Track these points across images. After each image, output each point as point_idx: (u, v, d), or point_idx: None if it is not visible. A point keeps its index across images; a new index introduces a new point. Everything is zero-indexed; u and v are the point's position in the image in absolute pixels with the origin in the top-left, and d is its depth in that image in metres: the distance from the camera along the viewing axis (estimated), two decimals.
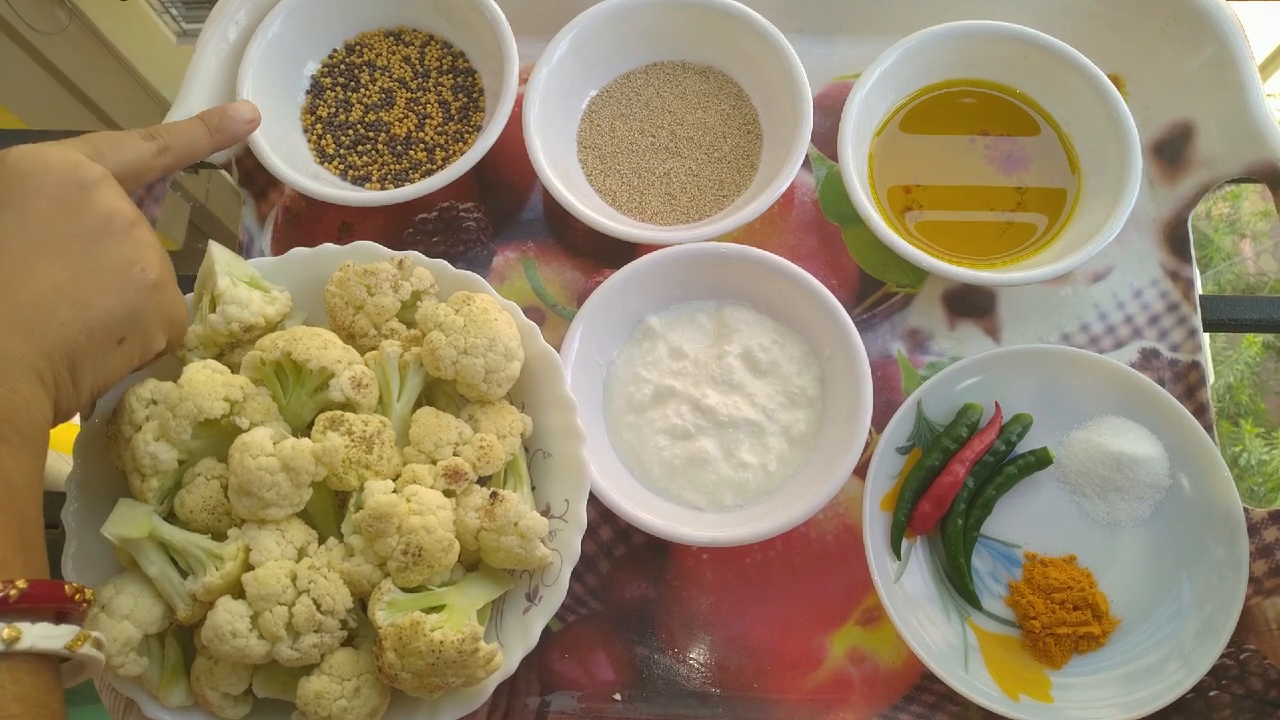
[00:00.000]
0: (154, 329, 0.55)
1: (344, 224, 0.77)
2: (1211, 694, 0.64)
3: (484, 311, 0.61)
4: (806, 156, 0.71)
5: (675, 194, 0.75)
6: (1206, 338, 0.74)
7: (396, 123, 0.78)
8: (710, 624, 0.68)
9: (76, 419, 0.63)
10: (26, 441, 0.48)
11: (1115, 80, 0.75)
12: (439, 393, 0.64)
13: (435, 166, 0.76)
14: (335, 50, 0.80)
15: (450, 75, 0.79)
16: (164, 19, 2.29)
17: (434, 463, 0.59)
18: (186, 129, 0.65)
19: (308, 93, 0.79)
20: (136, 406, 0.57)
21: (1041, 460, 0.68)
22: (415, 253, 0.65)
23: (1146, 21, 0.77)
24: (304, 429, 0.60)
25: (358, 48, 0.80)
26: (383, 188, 0.75)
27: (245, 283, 0.63)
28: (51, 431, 0.52)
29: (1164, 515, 0.67)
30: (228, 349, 0.63)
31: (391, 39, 0.80)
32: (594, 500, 0.63)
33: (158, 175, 0.62)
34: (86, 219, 0.52)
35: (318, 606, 0.55)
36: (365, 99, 0.78)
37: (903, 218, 0.74)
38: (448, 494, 0.58)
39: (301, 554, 0.57)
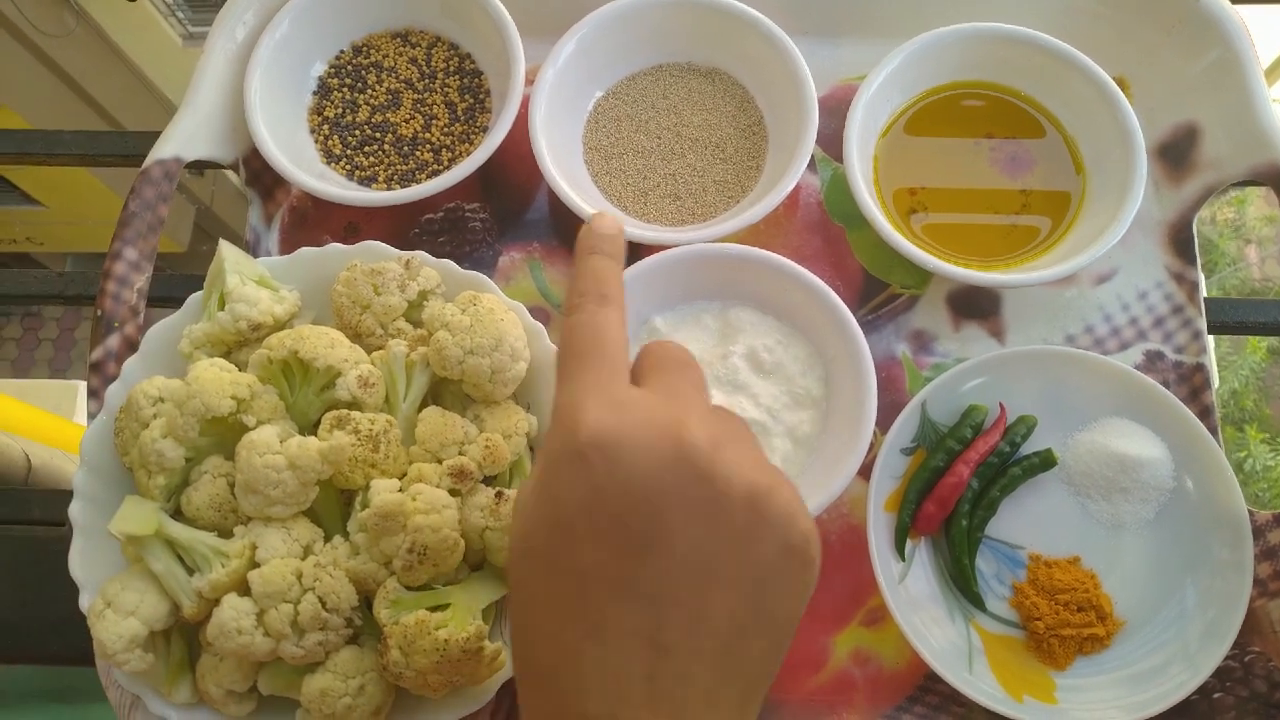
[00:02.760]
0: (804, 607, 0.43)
1: (350, 224, 0.77)
2: (1215, 696, 0.64)
3: (490, 312, 0.61)
4: (811, 158, 0.71)
5: (680, 195, 0.75)
6: (1211, 341, 0.74)
7: (403, 123, 0.78)
8: None
9: (83, 419, 0.63)
10: None
11: (1120, 83, 0.75)
12: (445, 392, 0.64)
13: (441, 167, 0.76)
14: (342, 51, 0.80)
15: (457, 76, 0.79)
16: (170, 21, 2.30)
17: (440, 462, 0.59)
18: (614, 271, 0.48)
19: (315, 93, 0.79)
20: (144, 403, 0.58)
21: (1046, 462, 0.68)
22: (422, 253, 0.65)
23: (1151, 24, 0.77)
24: (310, 428, 0.60)
25: (365, 49, 0.80)
26: (389, 188, 0.76)
27: (254, 281, 0.63)
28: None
29: (1168, 517, 0.67)
30: (235, 347, 0.63)
31: (399, 40, 0.80)
32: None
33: None
34: (729, 520, 0.38)
35: (323, 604, 0.55)
36: (372, 100, 0.79)
37: (908, 219, 0.74)
38: (453, 493, 0.58)
39: (307, 552, 0.57)
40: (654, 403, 0.40)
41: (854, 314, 0.67)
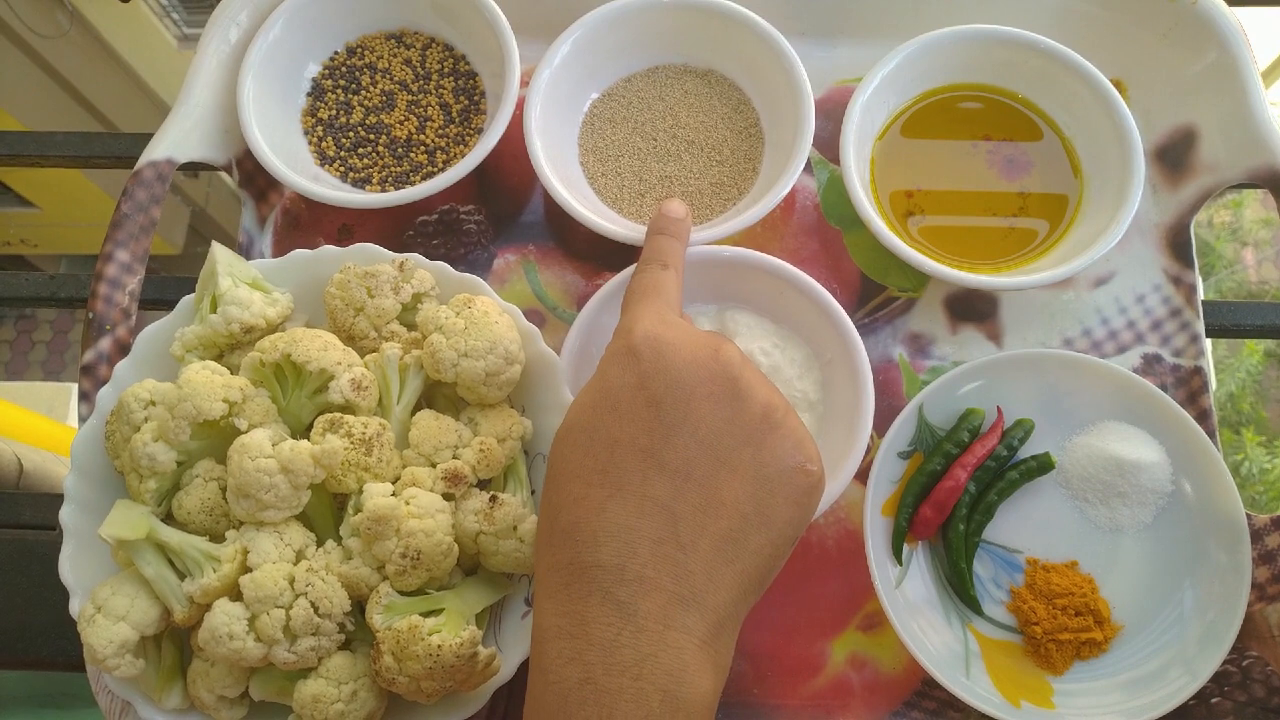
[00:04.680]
0: (804, 527, 0.48)
1: (344, 226, 0.77)
2: (1214, 700, 0.64)
3: (485, 314, 0.60)
4: (808, 160, 0.70)
5: (676, 197, 0.74)
6: (1209, 344, 0.74)
7: (397, 125, 0.77)
8: None
9: (75, 421, 0.63)
10: None
11: (1117, 85, 0.74)
12: (439, 395, 0.64)
13: (436, 169, 0.76)
14: (336, 52, 0.80)
15: (451, 78, 0.79)
16: (165, 23, 2.29)
17: (433, 465, 0.59)
18: (676, 248, 0.58)
19: (308, 95, 0.79)
20: (135, 407, 0.57)
21: (1043, 465, 0.67)
22: (416, 255, 0.65)
23: (1149, 26, 0.77)
24: (303, 431, 0.59)
25: (359, 50, 0.80)
26: (383, 190, 0.75)
27: (247, 284, 0.63)
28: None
29: (1166, 521, 0.67)
30: (227, 350, 0.63)
31: (393, 41, 0.80)
32: None
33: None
34: (746, 419, 0.46)
35: (315, 609, 0.55)
36: (366, 101, 0.78)
37: (905, 222, 0.74)
38: (447, 497, 0.58)
39: (299, 556, 0.56)
40: (697, 328, 0.49)
41: (851, 317, 0.66)
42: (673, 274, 0.55)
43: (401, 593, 0.56)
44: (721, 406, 0.46)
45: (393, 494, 0.56)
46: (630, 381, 0.46)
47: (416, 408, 0.62)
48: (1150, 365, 0.72)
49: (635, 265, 0.56)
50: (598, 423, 0.46)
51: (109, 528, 0.55)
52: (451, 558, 0.57)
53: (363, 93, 0.79)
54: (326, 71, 0.79)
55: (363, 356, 0.61)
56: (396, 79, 0.79)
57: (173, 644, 0.59)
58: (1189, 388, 0.71)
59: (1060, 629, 0.64)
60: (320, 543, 0.58)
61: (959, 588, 0.66)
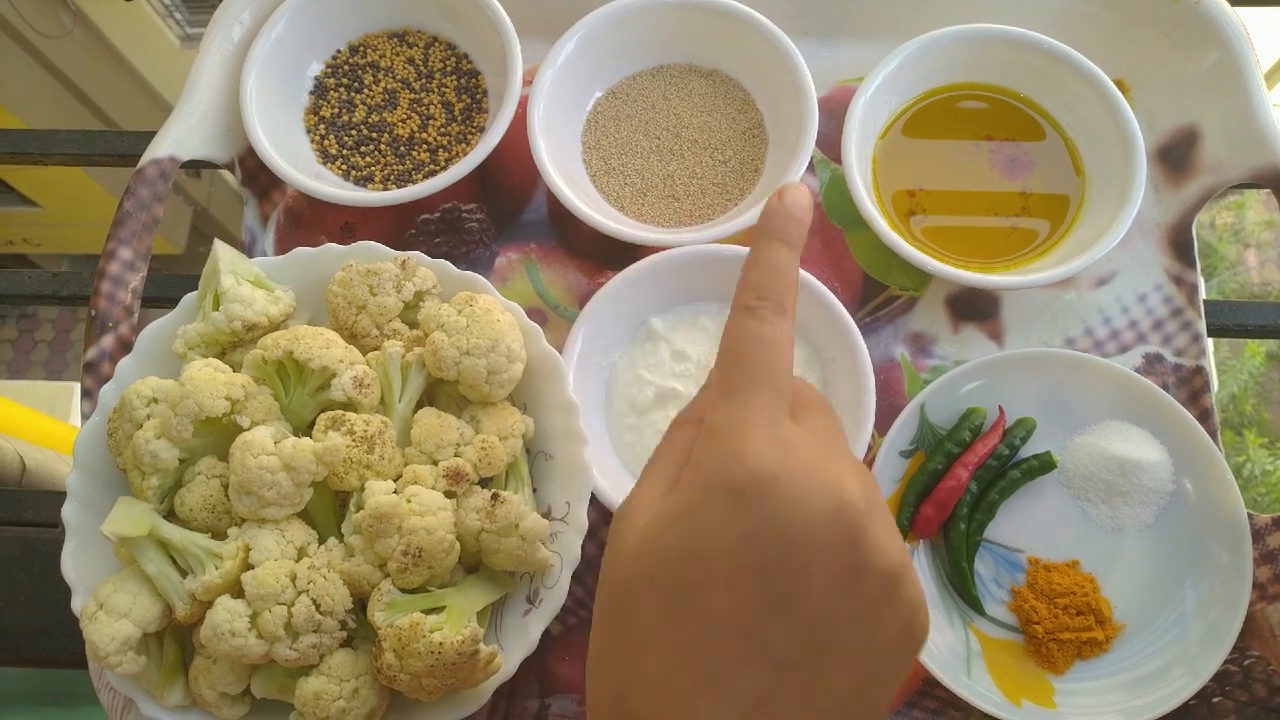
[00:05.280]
0: None
1: (346, 224, 0.77)
2: (1215, 700, 0.64)
3: (487, 313, 0.61)
4: (810, 159, 0.70)
5: (679, 196, 0.74)
6: (1211, 344, 0.74)
7: (400, 123, 0.77)
8: None
9: (78, 421, 0.63)
10: None
11: (1120, 85, 0.74)
12: (441, 393, 0.64)
13: (438, 167, 0.76)
14: (339, 51, 0.80)
15: (454, 76, 0.79)
16: (168, 22, 2.29)
17: (435, 463, 0.59)
18: (795, 267, 0.42)
19: (311, 93, 0.79)
20: (137, 404, 0.57)
21: (1045, 464, 0.67)
22: (418, 253, 0.65)
23: (1151, 26, 0.77)
24: (305, 429, 0.59)
25: (361, 49, 0.80)
26: (385, 188, 0.75)
27: (249, 282, 0.63)
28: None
29: (1168, 520, 0.67)
30: (230, 348, 0.63)
31: (395, 40, 0.80)
32: (595, 502, 0.62)
33: None
34: (864, 591, 0.36)
35: (317, 607, 0.55)
36: (368, 100, 0.78)
37: (907, 221, 0.74)
38: (449, 495, 0.58)
39: (301, 554, 0.56)
40: (814, 446, 0.37)
41: (852, 316, 0.67)
42: (789, 325, 0.40)
43: (403, 590, 0.56)
44: (838, 580, 0.36)
45: (394, 491, 0.56)
46: (730, 540, 0.36)
47: (418, 405, 0.62)
48: (1152, 365, 0.72)
49: (732, 301, 0.41)
50: (686, 583, 0.36)
51: (111, 525, 0.55)
52: (453, 555, 0.57)
53: (365, 91, 0.79)
54: (329, 70, 0.79)
55: (365, 354, 0.61)
56: (399, 77, 0.79)
57: (175, 641, 0.59)
58: (1190, 387, 0.71)
59: (1061, 628, 0.64)
60: (322, 540, 0.58)
61: (960, 587, 0.66)
